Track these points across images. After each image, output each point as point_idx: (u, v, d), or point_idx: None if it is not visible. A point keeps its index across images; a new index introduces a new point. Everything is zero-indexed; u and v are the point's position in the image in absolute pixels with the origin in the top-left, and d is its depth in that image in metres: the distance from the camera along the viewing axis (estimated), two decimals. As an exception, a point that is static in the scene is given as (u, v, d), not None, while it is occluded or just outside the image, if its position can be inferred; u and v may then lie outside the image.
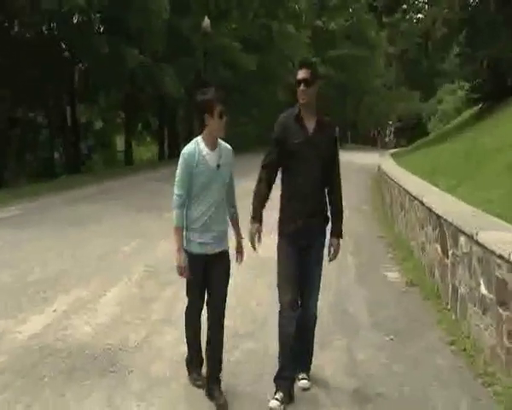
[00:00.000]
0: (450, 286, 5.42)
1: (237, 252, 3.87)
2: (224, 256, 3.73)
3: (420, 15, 19.82)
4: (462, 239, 4.96)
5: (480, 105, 18.27)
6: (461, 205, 6.08)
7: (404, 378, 4.06)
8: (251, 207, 3.81)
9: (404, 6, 19.91)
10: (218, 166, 3.60)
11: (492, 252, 4.12)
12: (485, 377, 4.00)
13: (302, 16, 44.39)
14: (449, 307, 5.46)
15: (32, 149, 25.91)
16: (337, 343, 4.68)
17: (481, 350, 4.36)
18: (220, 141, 3.69)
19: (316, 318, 3.97)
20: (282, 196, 3.85)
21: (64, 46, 20.60)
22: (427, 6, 19.83)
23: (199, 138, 3.65)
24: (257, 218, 3.78)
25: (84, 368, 4.09)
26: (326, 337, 4.65)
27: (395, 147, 31.19)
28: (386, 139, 56.03)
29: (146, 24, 16.30)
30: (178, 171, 3.60)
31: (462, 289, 5.02)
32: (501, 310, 3.98)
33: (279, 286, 3.76)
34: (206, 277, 3.68)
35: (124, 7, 15.72)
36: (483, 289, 4.39)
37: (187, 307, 3.85)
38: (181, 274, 3.65)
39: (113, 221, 10.01)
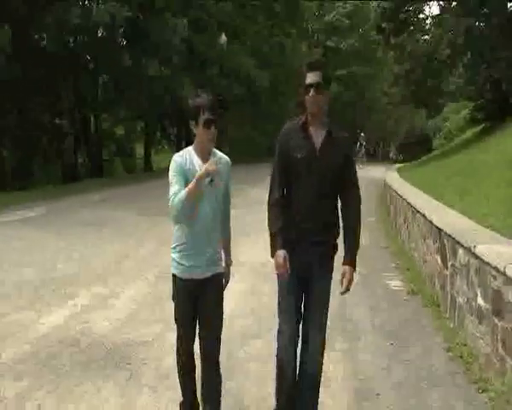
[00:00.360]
0: (449, 296, 5.43)
1: (224, 277, 3.26)
2: (216, 281, 3.13)
3: (426, 37, 19.79)
4: (461, 252, 4.98)
5: (483, 125, 18.24)
6: (461, 219, 6.10)
7: (401, 381, 4.09)
8: (269, 247, 3.14)
9: (411, 27, 19.86)
10: (212, 180, 2.95)
11: (489, 264, 4.14)
12: (479, 382, 4.02)
13: (314, 36, 44.72)
14: (447, 315, 5.47)
15: (58, 154, 26.26)
16: (339, 346, 4.70)
17: (477, 357, 4.38)
18: (216, 152, 3.10)
19: (320, 368, 3.21)
20: (285, 216, 3.20)
21: (89, 58, 20.96)
22: (433, 28, 19.82)
23: (190, 148, 3.09)
24: (280, 244, 3.07)
25: (101, 360, 4.17)
26: (328, 341, 4.67)
27: (399, 162, 31.19)
28: (391, 155, 56.06)
29: (165, 39, 16.51)
30: (171, 173, 2.98)
31: (460, 299, 5.04)
32: (496, 320, 4.00)
33: (279, 316, 3.23)
34: (197, 305, 3.09)
35: (145, 23, 15.93)
36: (480, 300, 4.41)
37: (177, 341, 3.20)
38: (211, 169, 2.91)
39: (130, 223, 10.13)
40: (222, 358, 3.19)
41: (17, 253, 7.74)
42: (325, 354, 3.23)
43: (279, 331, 3.21)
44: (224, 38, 22.06)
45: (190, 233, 3.01)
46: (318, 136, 3.09)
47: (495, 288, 4.02)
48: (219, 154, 3.11)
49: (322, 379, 3.32)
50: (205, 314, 3.09)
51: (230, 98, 23.40)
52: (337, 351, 4.57)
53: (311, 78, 3.03)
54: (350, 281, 3.09)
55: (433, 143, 37.41)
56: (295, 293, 3.15)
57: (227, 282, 3.27)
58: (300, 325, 3.20)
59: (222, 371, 3.18)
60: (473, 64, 17.08)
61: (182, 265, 3.05)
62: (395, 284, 6.88)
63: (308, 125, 3.10)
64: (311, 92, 3.02)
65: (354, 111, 46.54)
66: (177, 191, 2.89)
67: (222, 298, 3.14)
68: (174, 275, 3.09)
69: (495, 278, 4.02)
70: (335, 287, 3.21)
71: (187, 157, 3.01)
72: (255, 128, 34.27)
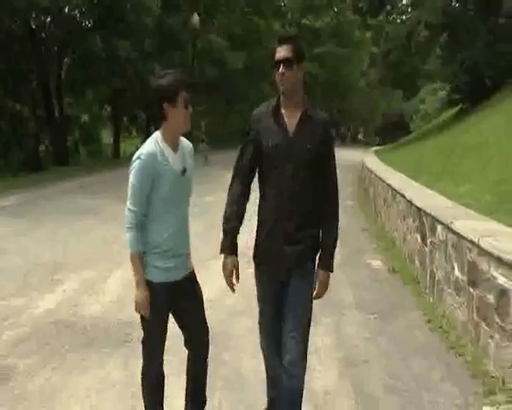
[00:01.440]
0: (429, 272, 5.93)
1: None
2: (192, 279, 2.99)
3: (404, 17, 20.38)
4: (439, 228, 5.48)
5: (460, 106, 18.92)
6: (438, 198, 6.60)
7: (385, 350, 4.56)
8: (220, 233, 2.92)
9: (388, 7, 20.39)
10: (184, 170, 2.81)
11: (464, 238, 4.63)
12: (456, 348, 4.51)
13: (288, 14, 45.02)
14: (427, 291, 5.98)
15: (18, 142, 26.02)
16: (325, 320, 5.14)
17: (454, 327, 4.88)
18: (182, 138, 2.91)
19: (301, 382, 2.87)
20: (258, 211, 2.98)
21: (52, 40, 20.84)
22: (410, 8, 20.39)
23: (157, 135, 2.80)
24: (229, 247, 2.87)
25: (100, 339, 4.54)
26: (314, 317, 5.10)
27: (377, 145, 32.03)
28: (360, 137, 57.22)
29: (138, 19, 16.66)
30: (132, 180, 2.73)
31: (438, 274, 5.54)
32: (471, 289, 4.50)
33: (259, 330, 3.08)
34: (176, 311, 2.95)
35: (117, 2, 16.08)
36: (457, 272, 4.90)
37: (144, 364, 2.98)
38: (143, 312, 2.80)
39: (109, 211, 10.40)
40: (214, 332, 3.30)
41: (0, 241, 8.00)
42: (312, 328, 3.02)
43: (262, 347, 3.11)
44: (196, 17, 22.23)
45: (166, 232, 2.80)
46: (292, 119, 2.81)
47: (470, 260, 4.51)
48: (183, 140, 2.92)
49: (311, 347, 3.22)
50: (191, 316, 2.97)
51: (204, 81, 23.60)
52: (323, 325, 5.01)
53: (279, 52, 2.76)
54: (324, 287, 2.92)
55: (410, 125, 38.35)
56: (273, 302, 2.93)
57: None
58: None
59: (216, 344, 3.44)
60: (449, 46, 17.71)
61: (157, 268, 2.81)
62: (376, 263, 7.37)
63: (280, 108, 2.84)
64: (281, 68, 2.75)
65: (330, 92, 47.14)
66: (133, 215, 2.74)
67: (202, 294, 3.04)
68: (148, 281, 2.80)
69: (470, 250, 4.51)
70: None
71: (157, 151, 2.74)
72: (230, 111, 34.56)
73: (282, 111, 2.83)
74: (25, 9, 14.59)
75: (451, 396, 3.76)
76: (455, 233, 4.92)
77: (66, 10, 16.76)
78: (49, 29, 17.89)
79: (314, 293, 2.91)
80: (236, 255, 2.89)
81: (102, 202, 11.46)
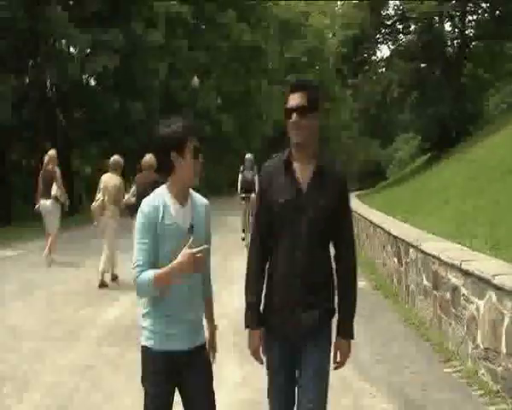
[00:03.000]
0: (404, 286, 7.23)
1: (209, 346, 2.65)
2: (201, 354, 2.54)
3: (379, 77, 22.29)
4: (411, 250, 6.81)
5: (429, 154, 20.63)
6: (410, 228, 7.96)
7: (371, 337, 5.79)
8: (244, 309, 2.62)
9: (366, 68, 22.29)
10: (192, 227, 2.46)
11: (430, 254, 5.96)
12: (425, 336, 5.77)
13: (274, 73, 47.28)
14: (403, 301, 7.26)
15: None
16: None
17: (424, 322, 6.15)
18: (192, 192, 2.56)
19: None
20: (268, 271, 2.63)
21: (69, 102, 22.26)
22: (384, 69, 22.32)
23: (163, 189, 2.49)
24: (255, 320, 2.58)
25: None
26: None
27: (355, 190, 33.66)
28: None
29: (147, 83, 18.24)
30: (137, 235, 2.42)
31: (412, 286, 6.84)
32: (435, 292, 5.80)
33: (268, 400, 2.66)
34: (180, 385, 2.50)
35: (129, 68, 17.69)
36: (425, 281, 6.21)
37: None
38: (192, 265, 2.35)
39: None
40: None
41: (52, 273, 9.19)
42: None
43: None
44: (196, 80, 23.96)
45: (169, 293, 2.40)
46: (305, 173, 2.50)
47: (434, 270, 5.83)
48: (196, 195, 2.58)
49: None
50: (194, 399, 2.49)
51: (203, 137, 25.16)
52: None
53: (293, 100, 2.47)
54: (346, 357, 2.60)
55: (387, 171, 40.25)
56: (285, 375, 2.58)
57: (214, 355, 2.68)
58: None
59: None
60: (419, 102, 19.53)
61: (156, 333, 2.42)
62: (362, 284, 8.62)
63: (292, 161, 2.52)
64: (294, 117, 2.45)
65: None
66: (141, 264, 2.36)
67: (212, 374, 2.56)
68: (145, 348, 2.45)
69: (433, 263, 5.83)
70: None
71: (159, 203, 2.42)
72: (220, 163, 36.06)
73: (294, 165, 2.50)
74: (56, 77, 16.06)
75: (421, 364, 5.02)
76: (423, 252, 6.25)
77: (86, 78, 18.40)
78: (68, 92, 19.30)
79: (336, 364, 2.61)
80: (262, 327, 2.59)
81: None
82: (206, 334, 2.63)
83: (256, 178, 10.99)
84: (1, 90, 14.00)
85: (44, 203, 9.81)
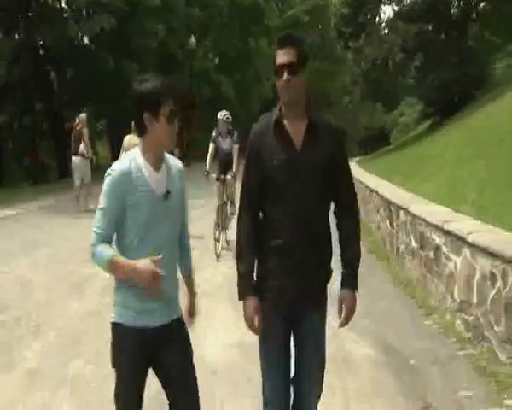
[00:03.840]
0: (395, 248, 7.81)
1: (187, 312, 2.61)
2: (179, 329, 2.46)
3: (382, 40, 22.48)
4: (402, 213, 7.36)
5: (432, 119, 21.00)
6: (403, 192, 8.49)
7: (360, 297, 6.35)
8: (236, 278, 2.56)
9: (368, 31, 22.46)
10: (168, 193, 2.35)
11: (417, 216, 6.51)
12: (411, 294, 6.36)
13: (274, 33, 47.11)
14: (394, 263, 7.85)
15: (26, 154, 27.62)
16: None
17: (411, 282, 6.74)
18: (166, 155, 2.45)
19: None
20: (260, 237, 2.55)
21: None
22: (387, 31, 22.50)
23: (136, 151, 2.38)
24: (249, 288, 2.52)
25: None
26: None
27: (358, 156, 34.03)
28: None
29: (144, 43, 18.55)
30: (101, 200, 2.31)
31: (401, 248, 7.41)
32: (421, 252, 6.37)
33: (262, 374, 2.60)
34: (156, 366, 2.41)
35: (126, 28, 17.98)
36: (413, 243, 6.77)
37: None
38: (151, 281, 2.23)
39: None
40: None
41: (55, 231, 9.73)
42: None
43: (265, 403, 2.59)
44: (193, 39, 24.17)
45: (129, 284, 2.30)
46: (298, 131, 2.46)
47: (420, 231, 6.39)
48: (170, 159, 2.47)
49: None
50: (174, 378, 2.39)
51: (200, 100, 25.50)
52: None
53: (282, 57, 2.42)
54: (351, 310, 2.57)
55: (390, 136, 40.52)
56: (282, 346, 2.53)
57: (193, 320, 2.65)
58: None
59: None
60: (423, 67, 19.80)
61: (129, 308, 2.32)
62: (357, 247, 9.22)
63: (282, 121, 2.48)
64: (284, 75, 2.39)
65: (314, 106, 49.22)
66: (102, 231, 2.26)
67: (191, 348, 2.49)
68: (116, 325, 2.35)
69: (420, 224, 6.38)
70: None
71: (131, 167, 2.30)
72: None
73: (286, 124, 2.47)
74: (52, 39, 16.40)
75: (405, 318, 5.62)
76: (411, 214, 6.80)
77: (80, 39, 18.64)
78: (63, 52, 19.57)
79: (341, 319, 2.55)
80: (257, 296, 2.51)
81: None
82: (183, 305, 2.57)
83: (236, 147, 8.61)
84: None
85: (74, 160, 11.85)
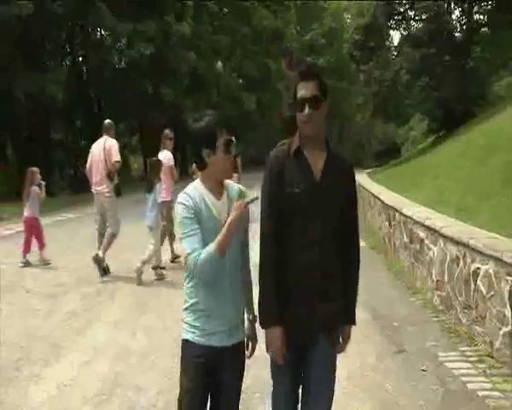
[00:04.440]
0: (392, 244, 8.82)
1: (248, 338, 2.56)
2: (238, 352, 2.50)
3: (391, 62, 23.49)
4: (397, 214, 8.38)
5: (436, 135, 21.89)
6: (399, 198, 9.50)
7: (361, 278, 7.39)
8: (257, 302, 2.47)
9: (379, 52, 23.43)
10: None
11: (408, 216, 7.53)
12: (402, 279, 7.35)
13: (294, 54, 48.39)
14: (390, 256, 8.85)
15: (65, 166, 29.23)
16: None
17: (403, 270, 7.73)
18: (228, 182, 2.50)
19: None
20: (264, 264, 2.43)
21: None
22: (395, 56, 23.48)
23: (197, 183, 2.43)
24: (275, 317, 2.38)
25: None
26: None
27: (372, 167, 34.93)
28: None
29: (177, 67, 19.94)
30: (181, 221, 2.33)
31: (397, 243, 8.42)
32: (411, 245, 7.38)
33: (273, 401, 2.55)
34: (212, 382, 2.45)
35: (161, 55, 19.42)
36: (405, 238, 7.79)
37: None
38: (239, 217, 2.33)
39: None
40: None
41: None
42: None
43: None
44: (220, 64, 25.50)
45: (209, 289, 2.37)
46: (317, 162, 2.42)
47: (410, 228, 7.41)
48: (230, 185, 2.50)
49: None
50: (223, 392, 2.47)
51: (224, 116, 26.77)
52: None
53: (305, 90, 2.35)
54: (348, 341, 2.58)
55: (401, 150, 41.36)
56: (292, 373, 2.47)
57: (253, 347, 2.58)
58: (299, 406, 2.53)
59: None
60: (427, 86, 20.74)
61: (196, 328, 2.40)
62: (362, 244, 10.07)
63: (303, 151, 2.43)
64: (306, 110, 2.34)
65: (330, 125, 50.39)
66: (197, 246, 2.28)
67: (242, 377, 2.54)
68: (185, 341, 2.44)
69: (410, 223, 7.40)
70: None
71: (196, 197, 2.35)
72: (243, 139, 37.76)
73: (306, 153, 2.42)
74: (97, 63, 17.90)
75: (393, 296, 6.64)
76: (403, 215, 7.82)
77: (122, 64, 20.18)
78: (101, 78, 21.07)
79: (339, 350, 2.56)
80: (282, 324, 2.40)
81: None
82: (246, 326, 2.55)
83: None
84: (56, 76, 15.89)
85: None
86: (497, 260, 4.39)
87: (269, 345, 2.42)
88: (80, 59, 20.83)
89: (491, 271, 4.52)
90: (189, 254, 2.28)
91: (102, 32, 19.55)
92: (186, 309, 2.44)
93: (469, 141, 13.10)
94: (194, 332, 2.40)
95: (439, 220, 6.31)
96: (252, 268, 2.57)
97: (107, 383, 4.27)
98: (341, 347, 2.59)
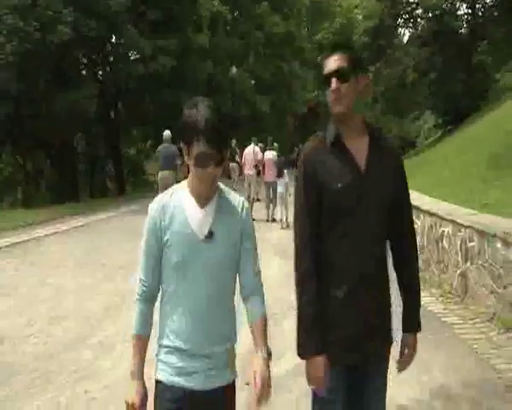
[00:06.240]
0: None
1: (256, 379, 1.90)
2: (222, 400, 2.00)
3: (398, 61, 25.26)
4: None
5: (443, 129, 23.59)
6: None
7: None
8: (297, 334, 2.11)
9: (388, 51, 25.14)
10: (211, 234, 1.92)
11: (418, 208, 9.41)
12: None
13: (305, 55, 50.12)
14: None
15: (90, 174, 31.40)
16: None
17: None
18: (225, 189, 2.04)
19: None
20: (304, 275, 2.07)
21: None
22: (401, 55, 25.23)
23: (184, 182, 2.02)
24: (317, 345, 2.04)
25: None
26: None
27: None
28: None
29: (195, 76, 22.16)
30: (143, 239, 2.00)
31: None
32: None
33: None
34: None
35: (181, 66, 21.64)
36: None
37: None
38: None
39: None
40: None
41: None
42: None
43: None
44: (234, 70, 27.53)
45: (180, 316, 1.96)
46: (359, 150, 2.06)
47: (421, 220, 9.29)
48: (226, 194, 2.04)
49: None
50: None
51: (239, 118, 28.88)
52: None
53: (331, 63, 2.02)
54: (412, 355, 2.21)
55: (416, 143, 43.08)
56: (344, 396, 2.13)
57: (265, 387, 1.91)
58: None
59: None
60: (434, 82, 22.43)
61: (168, 365, 1.98)
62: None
63: (341, 139, 2.06)
64: (333, 84, 2.00)
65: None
66: (144, 285, 1.99)
67: None
68: (157, 382, 2.00)
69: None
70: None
71: (169, 201, 1.96)
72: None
73: (345, 141, 2.07)
74: (124, 76, 20.27)
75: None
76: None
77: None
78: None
79: (401, 366, 2.21)
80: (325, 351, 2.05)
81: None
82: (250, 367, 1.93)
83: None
84: (90, 91, 18.17)
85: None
86: (453, 222, 6.34)
87: (310, 380, 2.08)
88: (108, 71, 22.94)
89: (450, 231, 6.47)
90: (138, 281, 2.02)
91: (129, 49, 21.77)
92: (159, 346, 2.05)
93: (469, 136, 14.79)
94: (165, 369, 2.00)
95: (422, 200, 8.23)
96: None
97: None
98: (404, 362, 2.21)
